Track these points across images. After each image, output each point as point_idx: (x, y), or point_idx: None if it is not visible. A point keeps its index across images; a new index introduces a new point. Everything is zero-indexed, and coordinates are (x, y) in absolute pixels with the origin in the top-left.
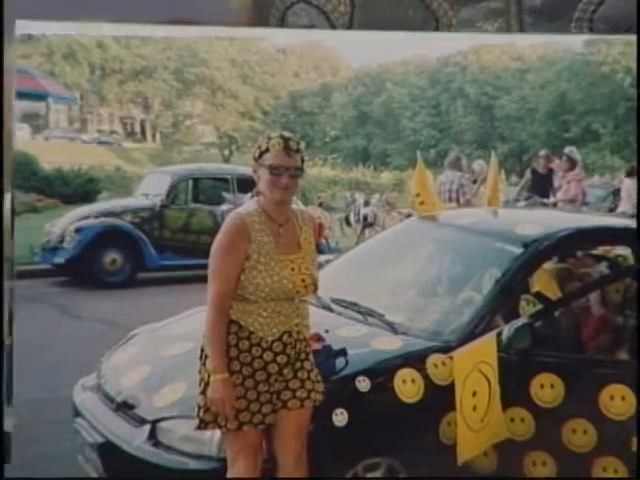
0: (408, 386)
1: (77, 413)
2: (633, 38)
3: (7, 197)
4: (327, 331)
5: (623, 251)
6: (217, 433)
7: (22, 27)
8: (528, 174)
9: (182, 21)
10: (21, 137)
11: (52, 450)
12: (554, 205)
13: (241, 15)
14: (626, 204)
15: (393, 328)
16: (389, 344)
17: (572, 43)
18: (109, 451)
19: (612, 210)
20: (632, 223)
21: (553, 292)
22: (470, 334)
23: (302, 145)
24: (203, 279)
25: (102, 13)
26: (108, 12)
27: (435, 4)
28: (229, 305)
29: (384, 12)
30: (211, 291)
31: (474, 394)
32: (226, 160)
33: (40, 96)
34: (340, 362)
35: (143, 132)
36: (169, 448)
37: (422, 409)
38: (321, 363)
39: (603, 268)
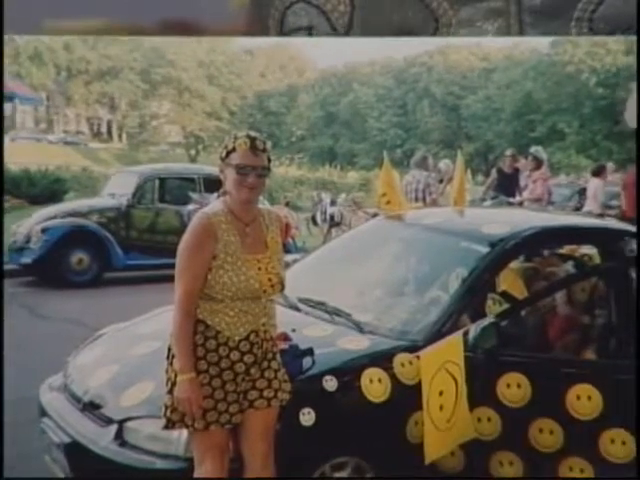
0: (375, 385)
1: (43, 413)
2: (632, 38)
3: None
4: (294, 330)
5: (589, 250)
6: (184, 433)
7: None
8: (494, 173)
9: (180, 22)
10: None
11: (19, 451)
12: (520, 204)
13: (240, 15)
14: (592, 203)
15: (360, 327)
16: (356, 343)
17: (538, 43)
18: (76, 451)
19: (578, 209)
20: (598, 222)
21: (519, 291)
22: (437, 333)
23: (269, 145)
24: (170, 279)
25: (94, 13)
26: (102, 12)
27: (435, 4)
28: (196, 304)
29: (384, 12)
30: (178, 290)
31: (441, 393)
32: (192, 160)
33: (6, 97)
34: (307, 361)
35: (110, 132)
36: (136, 448)
37: (389, 408)
38: (288, 362)
39: (569, 267)
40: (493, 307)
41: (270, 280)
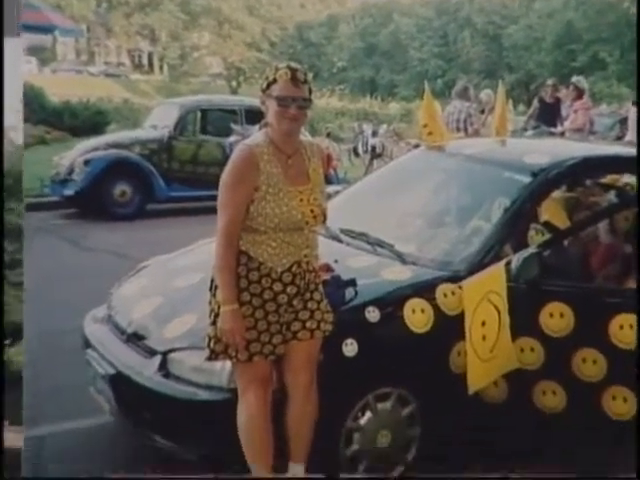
0: (417, 316)
1: (88, 344)
2: None
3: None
4: (336, 261)
5: (631, 179)
6: (227, 364)
7: None
8: (535, 103)
9: None
10: (29, 70)
11: (64, 382)
12: (561, 134)
13: None
14: (634, 133)
15: (402, 258)
16: (398, 274)
17: None
18: (120, 382)
19: (619, 139)
20: None
21: (562, 221)
22: (479, 264)
23: (310, 76)
24: (212, 210)
25: None
26: None
27: None
28: (238, 236)
29: None
30: (220, 222)
31: (483, 324)
32: (234, 91)
33: (46, 29)
34: (349, 292)
35: (150, 64)
36: (179, 379)
37: (432, 339)
38: (330, 293)
39: (611, 197)
40: (535, 237)
41: (312, 211)
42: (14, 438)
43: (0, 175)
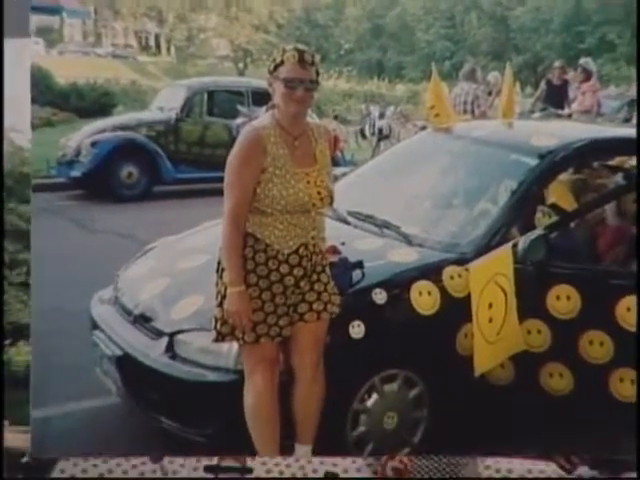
0: (424, 298)
1: (95, 326)
2: None
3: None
4: (343, 243)
5: None
6: (234, 345)
7: None
8: (543, 85)
9: None
10: (36, 51)
11: (71, 361)
12: (569, 116)
13: None
14: None
15: (409, 240)
16: (405, 256)
17: None
18: (127, 363)
19: (627, 121)
20: None
21: (569, 203)
22: (486, 246)
23: (317, 58)
24: (219, 192)
25: None
26: None
27: None
28: (245, 218)
29: None
30: (227, 204)
31: (490, 306)
32: (241, 73)
33: (54, 10)
34: (356, 274)
35: (158, 46)
36: (186, 360)
37: (438, 321)
38: (337, 275)
39: (619, 179)
40: (542, 219)
41: (319, 193)
42: (14, 438)
43: (0, 175)
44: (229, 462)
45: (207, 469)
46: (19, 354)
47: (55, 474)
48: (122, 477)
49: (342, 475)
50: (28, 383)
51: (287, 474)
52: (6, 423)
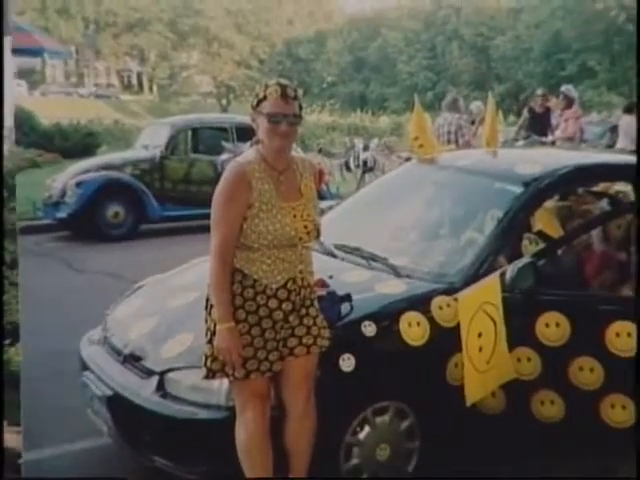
0: (414, 329)
1: (85, 367)
2: None
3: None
4: (331, 277)
5: (623, 187)
6: (225, 382)
7: None
8: (525, 113)
9: None
10: (19, 93)
11: (61, 403)
12: (552, 143)
13: None
14: (624, 140)
15: (397, 271)
16: (393, 288)
17: None
18: (118, 403)
19: (610, 146)
20: (631, 159)
21: (555, 230)
22: (474, 275)
23: (299, 92)
24: (206, 229)
25: None
26: None
27: None
28: (232, 254)
29: None
30: (214, 240)
31: (480, 335)
32: (224, 109)
33: (35, 52)
34: (345, 307)
35: (140, 84)
36: (177, 399)
37: (428, 351)
38: (326, 309)
39: (604, 205)
40: (529, 247)
41: (306, 227)
42: (14, 438)
43: (0, 175)
44: None
45: None
46: (19, 354)
47: None
48: None
49: None
50: None
51: None
52: (5, 423)
